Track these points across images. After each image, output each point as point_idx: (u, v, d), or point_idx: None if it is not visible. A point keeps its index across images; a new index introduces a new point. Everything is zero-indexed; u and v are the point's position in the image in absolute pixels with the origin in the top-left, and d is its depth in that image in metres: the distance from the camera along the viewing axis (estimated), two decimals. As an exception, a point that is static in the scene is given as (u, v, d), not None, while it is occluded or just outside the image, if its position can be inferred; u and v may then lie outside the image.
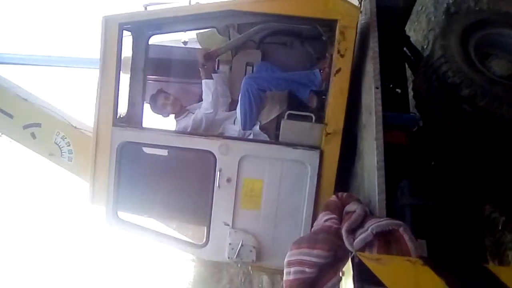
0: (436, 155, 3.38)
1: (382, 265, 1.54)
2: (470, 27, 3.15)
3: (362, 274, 1.50)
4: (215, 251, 3.42)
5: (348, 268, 1.58)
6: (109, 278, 17.21)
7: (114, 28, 3.30)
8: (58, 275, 16.90)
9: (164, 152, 3.59)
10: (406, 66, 4.13)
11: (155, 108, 3.85)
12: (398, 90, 3.91)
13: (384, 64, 3.22)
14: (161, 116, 3.91)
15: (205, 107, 3.57)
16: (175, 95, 3.94)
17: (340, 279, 1.65)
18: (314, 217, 3.13)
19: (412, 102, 3.75)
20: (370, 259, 1.57)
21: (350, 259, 1.59)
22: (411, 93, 3.80)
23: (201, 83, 3.70)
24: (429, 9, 5.79)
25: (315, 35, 3.52)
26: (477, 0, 4.58)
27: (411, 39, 4.41)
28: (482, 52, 3.20)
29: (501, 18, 3.33)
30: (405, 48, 4.16)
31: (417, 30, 6.01)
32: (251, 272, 7.40)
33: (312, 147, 3.25)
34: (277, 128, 3.51)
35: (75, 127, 3.85)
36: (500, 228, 3.46)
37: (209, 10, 3.34)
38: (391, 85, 3.91)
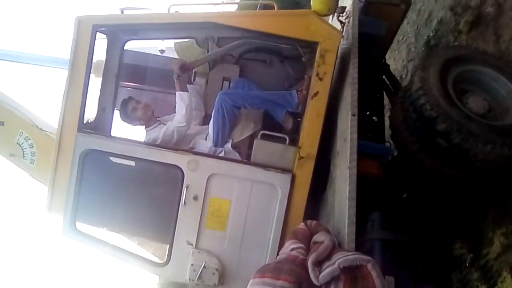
0: (408, 188, 3.35)
1: None
2: (450, 61, 3.16)
3: None
4: (176, 271, 3.25)
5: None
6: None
7: (87, 29, 3.15)
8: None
9: (131, 163, 3.43)
10: (384, 94, 4.13)
11: (125, 115, 3.69)
12: (375, 118, 3.90)
13: (362, 90, 3.17)
14: (130, 124, 3.75)
15: (178, 120, 3.44)
16: (147, 102, 3.79)
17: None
18: (282, 242, 3.02)
19: (388, 131, 3.73)
20: None
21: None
22: (387, 122, 3.78)
23: (175, 93, 3.58)
24: (410, 40, 5.88)
25: (295, 55, 3.47)
26: (456, 36, 4.65)
27: (390, 67, 4.43)
28: (459, 87, 3.21)
29: (480, 56, 3.36)
30: (384, 77, 4.16)
31: (397, 59, 6.09)
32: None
33: (284, 170, 3.14)
34: (250, 147, 3.41)
35: (41, 129, 3.67)
36: (467, 265, 3.43)
37: (188, 21, 3.24)
38: (368, 112, 3.89)
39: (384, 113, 3.98)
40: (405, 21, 5.77)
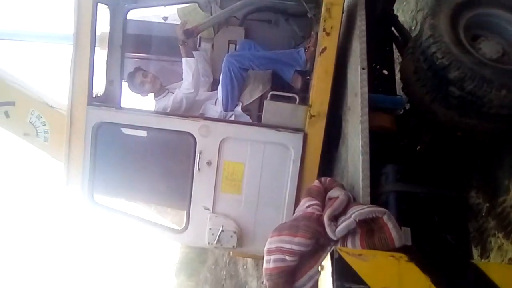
0: (422, 140, 3.31)
1: (364, 261, 1.45)
2: (460, 6, 3.04)
3: (342, 271, 1.40)
4: (195, 236, 3.32)
5: (327, 263, 1.48)
6: (91, 260, 17.13)
7: (88, 2, 3.11)
8: (36, 260, 16.74)
9: (143, 133, 3.45)
10: (394, 47, 4.02)
11: (133, 87, 3.69)
12: (385, 72, 3.82)
13: (371, 45, 3.10)
14: (139, 95, 3.76)
15: (185, 86, 3.43)
16: (154, 73, 3.78)
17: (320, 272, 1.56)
18: (297, 202, 3.04)
19: (399, 84, 3.66)
20: (351, 255, 1.47)
21: (329, 254, 1.49)
22: (398, 75, 3.70)
23: (181, 61, 3.55)
24: (418, -11, 5.66)
25: (301, 12, 3.40)
26: (468, -21, 4.46)
27: (398, 18, 4.30)
28: (471, 33, 3.10)
29: (493, -2, 3.22)
30: (393, 28, 4.04)
31: (405, 11, 5.89)
32: (234, 254, 7.38)
33: (295, 130, 3.13)
34: (260, 109, 3.40)
35: (51, 106, 3.69)
36: (483, 214, 3.42)
37: (189, -16, 3.18)
38: (378, 66, 3.81)
39: (395, 66, 3.89)
40: (412, -31, 5.58)
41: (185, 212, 3.31)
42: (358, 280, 1.40)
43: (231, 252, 3.55)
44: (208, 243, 3.21)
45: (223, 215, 3.24)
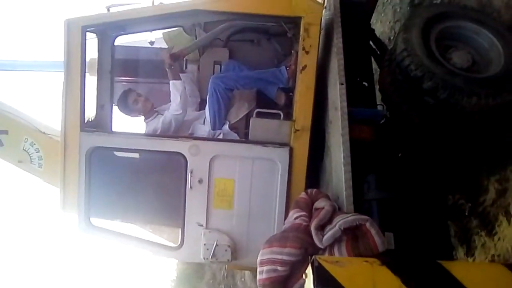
0: (402, 148, 3.46)
1: (340, 267, 1.58)
2: (431, 20, 3.22)
3: (322, 277, 1.54)
4: (190, 253, 3.42)
5: (309, 271, 1.61)
6: (91, 280, 17.02)
7: (77, 31, 3.24)
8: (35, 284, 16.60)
9: (135, 155, 3.57)
10: (372, 59, 4.20)
11: (125, 107, 3.79)
12: (365, 84, 3.98)
13: (351, 57, 3.26)
14: (129, 116, 3.86)
15: (174, 108, 3.56)
16: (147, 96, 3.90)
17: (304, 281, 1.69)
18: (286, 214, 3.16)
19: (378, 95, 3.82)
20: (329, 262, 1.61)
21: (310, 263, 1.62)
22: (377, 86, 3.87)
23: (169, 83, 3.68)
24: (394, 1, 5.87)
25: (281, 32, 3.53)
26: (439, -8, 4.67)
27: (377, 30, 4.48)
28: (443, 44, 3.27)
29: (460, 11, 3.42)
30: (370, 42, 4.22)
31: (384, 22, 6.09)
32: (231, 267, 7.45)
33: (281, 144, 3.27)
34: (246, 126, 3.53)
35: (44, 133, 3.78)
36: (466, 214, 3.57)
37: (173, 11, 3.32)
38: (358, 79, 3.97)
39: (374, 77, 4.06)
40: (388, -17, 5.79)
41: (180, 229, 3.42)
42: (337, 285, 1.54)
43: (227, 266, 3.64)
44: (204, 258, 3.32)
45: (217, 230, 3.35)
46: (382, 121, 3.69)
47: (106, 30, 3.61)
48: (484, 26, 3.25)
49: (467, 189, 3.55)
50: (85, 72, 3.35)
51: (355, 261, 1.69)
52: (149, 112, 3.78)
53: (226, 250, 3.30)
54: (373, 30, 4.34)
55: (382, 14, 6.12)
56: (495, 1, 3.63)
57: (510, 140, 3.21)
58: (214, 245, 3.28)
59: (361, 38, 4.18)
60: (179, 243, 3.42)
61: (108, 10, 3.39)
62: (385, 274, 1.58)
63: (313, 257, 1.65)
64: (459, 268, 1.61)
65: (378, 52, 4.13)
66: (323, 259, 1.62)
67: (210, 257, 3.30)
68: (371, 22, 4.50)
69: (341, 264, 1.61)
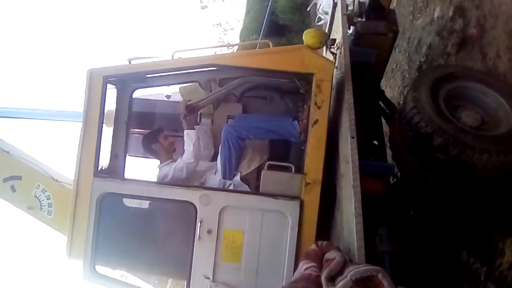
0: (414, 204, 3.44)
1: None
2: (439, 80, 3.34)
3: None
4: (195, 306, 3.32)
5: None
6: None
7: (99, 80, 3.39)
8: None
9: (145, 205, 3.57)
10: (383, 119, 4.29)
11: (151, 140, 3.82)
12: (376, 142, 4.04)
13: (361, 117, 3.34)
14: (147, 154, 3.91)
15: (186, 156, 3.61)
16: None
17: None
18: (296, 268, 3.08)
19: (389, 153, 3.86)
20: None
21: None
22: (388, 145, 3.92)
23: (183, 136, 3.76)
24: (403, 67, 6.11)
25: (294, 88, 3.66)
26: (446, 58, 4.87)
27: (387, 96, 4.62)
28: (452, 104, 3.36)
29: (467, 72, 3.55)
30: (380, 102, 4.34)
31: (393, 87, 6.30)
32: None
33: (292, 197, 3.26)
34: (258, 178, 3.55)
35: (56, 180, 3.83)
36: (482, 279, 3.46)
37: (191, 64, 3.48)
38: (373, 140, 4.02)
39: (384, 136, 4.13)
40: (396, 50, 6.05)
41: (185, 281, 3.33)
42: None
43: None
44: (209, 313, 3.20)
45: (224, 284, 3.27)
46: (394, 180, 3.71)
47: (126, 81, 3.78)
48: (491, 87, 3.35)
49: (482, 252, 3.47)
50: (103, 120, 3.45)
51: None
52: (167, 155, 3.80)
53: (232, 305, 3.19)
54: (383, 91, 4.48)
55: (391, 80, 6.34)
56: (500, 65, 3.77)
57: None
58: (220, 299, 3.18)
59: (371, 99, 4.31)
60: (184, 296, 3.33)
61: (130, 62, 3.55)
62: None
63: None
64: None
65: (388, 112, 4.23)
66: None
67: (216, 311, 3.19)
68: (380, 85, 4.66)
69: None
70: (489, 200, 3.37)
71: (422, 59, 5.48)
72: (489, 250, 3.39)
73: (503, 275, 3.31)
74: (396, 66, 6.26)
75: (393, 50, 5.14)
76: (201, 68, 3.58)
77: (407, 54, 6.03)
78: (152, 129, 4.07)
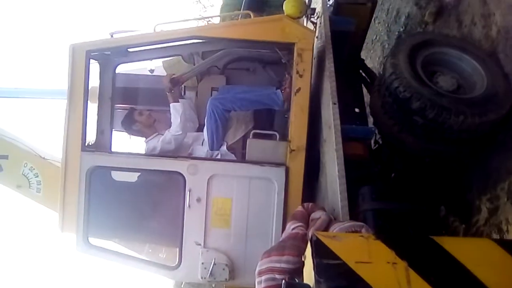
0: (395, 167, 3.58)
1: (338, 241, 1.66)
2: (417, 46, 3.44)
3: (320, 251, 1.62)
4: (188, 272, 3.43)
5: (308, 249, 1.68)
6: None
7: (82, 55, 3.40)
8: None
9: (134, 178, 3.64)
10: (363, 87, 4.40)
11: (129, 120, 3.87)
12: (357, 110, 4.15)
13: (342, 86, 3.43)
14: (131, 133, 3.95)
15: (174, 129, 3.67)
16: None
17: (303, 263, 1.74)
18: (283, 230, 3.21)
19: (370, 121, 3.98)
20: (327, 237, 1.69)
21: (309, 239, 1.69)
22: (369, 111, 4.04)
23: (168, 110, 3.80)
24: (382, 37, 6.20)
25: (276, 59, 3.72)
26: (424, 27, 4.97)
27: (368, 66, 4.72)
28: (429, 70, 3.47)
29: (443, 39, 3.65)
30: (360, 71, 4.44)
31: (373, 58, 6.40)
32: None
33: (278, 164, 3.37)
34: (244, 147, 3.63)
35: (43, 158, 3.85)
36: (461, 236, 3.63)
37: (173, 37, 3.50)
38: (354, 108, 4.12)
39: (365, 103, 4.24)
40: (376, 21, 6.13)
41: (178, 249, 3.44)
42: (334, 257, 1.61)
43: (225, 286, 3.64)
44: (201, 278, 3.32)
45: (215, 249, 3.38)
46: (376, 145, 3.84)
47: (108, 57, 3.78)
48: (466, 53, 3.47)
49: (460, 210, 3.63)
50: (88, 94, 3.47)
51: (351, 236, 1.76)
52: (150, 129, 3.86)
53: (223, 269, 3.31)
54: (363, 60, 4.57)
55: (372, 51, 6.43)
56: (475, 32, 3.88)
57: (498, 159, 3.34)
58: (212, 264, 3.30)
59: (352, 68, 4.41)
60: (176, 262, 3.43)
61: (112, 36, 3.56)
62: (380, 247, 1.65)
63: (312, 233, 1.71)
64: (450, 242, 1.69)
65: (369, 80, 4.33)
66: (321, 234, 1.70)
67: (208, 276, 3.30)
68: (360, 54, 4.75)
69: (338, 239, 1.69)
70: (465, 161, 3.52)
71: (401, 29, 5.57)
72: (467, 208, 3.56)
73: (479, 230, 3.48)
74: (376, 37, 6.34)
75: (373, 22, 5.22)
76: (183, 40, 3.60)
77: (386, 25, 6.11)
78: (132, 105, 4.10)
